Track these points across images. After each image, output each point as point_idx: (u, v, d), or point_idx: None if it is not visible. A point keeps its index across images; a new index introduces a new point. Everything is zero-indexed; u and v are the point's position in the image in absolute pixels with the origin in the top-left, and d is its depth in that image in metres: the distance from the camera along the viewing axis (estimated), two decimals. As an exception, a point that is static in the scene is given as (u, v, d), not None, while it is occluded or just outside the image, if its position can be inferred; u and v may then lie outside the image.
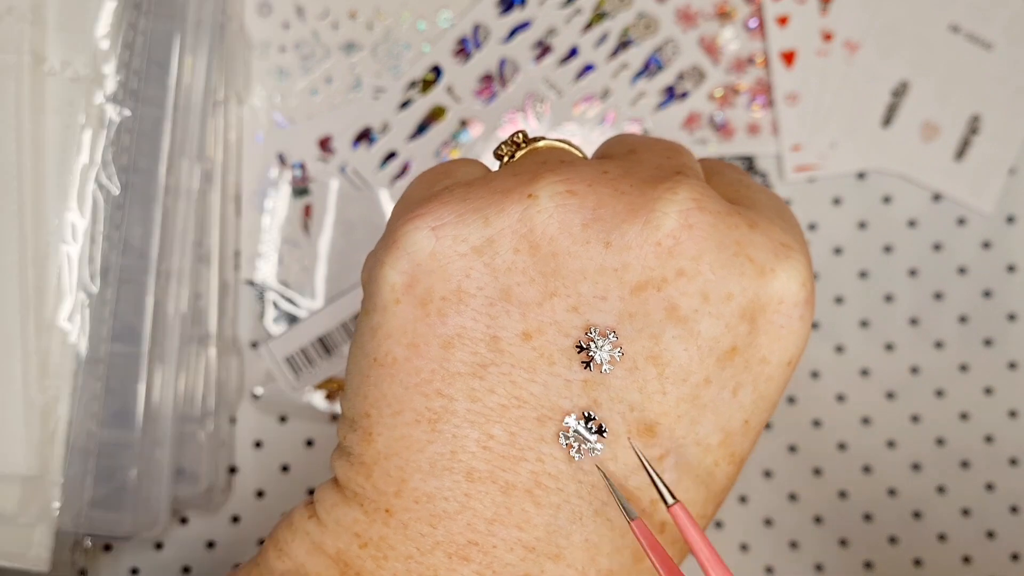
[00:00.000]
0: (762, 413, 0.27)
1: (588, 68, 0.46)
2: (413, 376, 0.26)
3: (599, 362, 0.25)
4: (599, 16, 0.46)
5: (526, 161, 0.27)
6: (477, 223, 0.25)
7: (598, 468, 0.26)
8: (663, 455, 0.26)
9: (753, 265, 0.26)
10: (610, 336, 0.25)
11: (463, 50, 0.46)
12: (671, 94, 0.47)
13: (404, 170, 0.46)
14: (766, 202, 0.28)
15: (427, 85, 0.46)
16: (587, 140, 0.46)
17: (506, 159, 0.29)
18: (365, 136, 0.46)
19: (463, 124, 0.46)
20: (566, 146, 0.29)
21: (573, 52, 0.46)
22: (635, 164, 0.27)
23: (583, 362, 0.25)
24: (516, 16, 0.46)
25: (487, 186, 0.26)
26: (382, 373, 0.26)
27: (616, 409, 0.25)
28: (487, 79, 0.46)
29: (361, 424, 0.26)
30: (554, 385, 0.25)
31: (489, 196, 0.26)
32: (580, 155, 0.29)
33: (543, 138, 0.29)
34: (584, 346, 0.25)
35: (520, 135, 0.29)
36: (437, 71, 0.46)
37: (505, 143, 0.29)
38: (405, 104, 0.46)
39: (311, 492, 0.47)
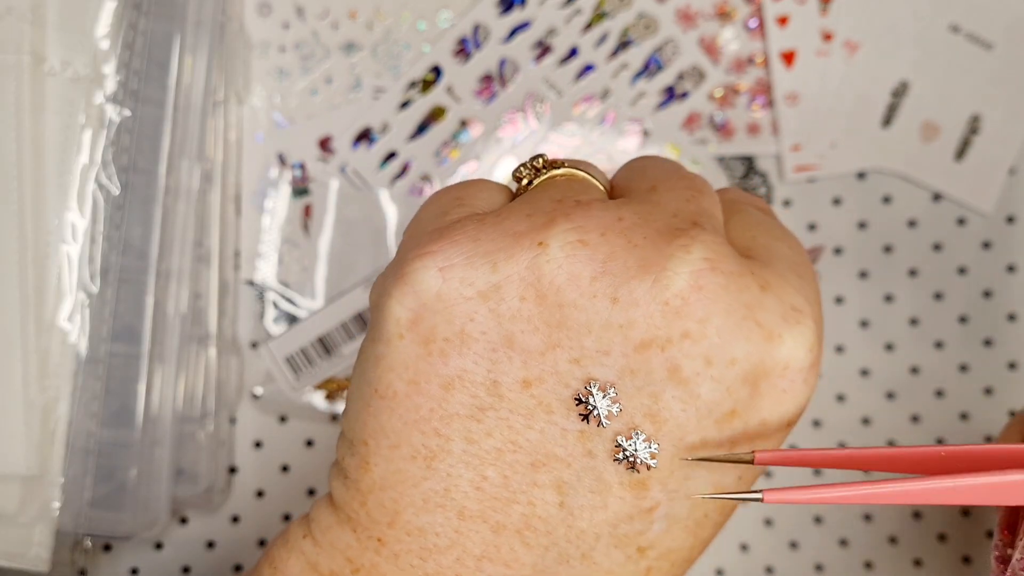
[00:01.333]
0: (756, 470, 0.28)
1: (588, 68, 0.46)
2: (412, 412, 0.26)
3: (596, 416, 0.25)
4: (599, 16, 0.46)
5: (542, 197, 0.27)
6: (485, 268, 0.25)
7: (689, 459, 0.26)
8: (654, 506, 0.26)
9: (761, 330, 0.26)
10: (609, 392, 0.25)
11: (463, 50, 0.46)
12: (671, 94, 0.47)
13: (404, 170, 0.46)
14: (783, 253, 0.27)
15: (427, 85, 0.46)
16: (587, 140, 0.46)
17: (524, 182, 0.29)
18: (365, 136, 0.46)
19: (463, 124, 0.46)
20: (584, 174, 0.28)
21: (573, 52, 0.46)
22: (653, 208, 0.26)
23: (581, 415, 0.25)
24: (516, 16, 0.46)
25: (499, 227, 0.26)
26: (382, 405, 0.26)
27: (610, 462, 0.26)
28: (487, 79, 0.46)
29: (359, 450, 0.27)
30: (550, 433, 0.26)
31: (500, 239, 0.26)
32: (598, 183, 0.28)
33: (563, 163, 0.29)
34: (583, 399, 0.25)
35: (540, 159, 0.29)
36: (437, 71, 0.46)
37: (524, 166, 0.29)
38: (405, 104, 0.46)
39: (311, 492, 0.47)
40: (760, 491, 0.24)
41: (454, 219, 0.27)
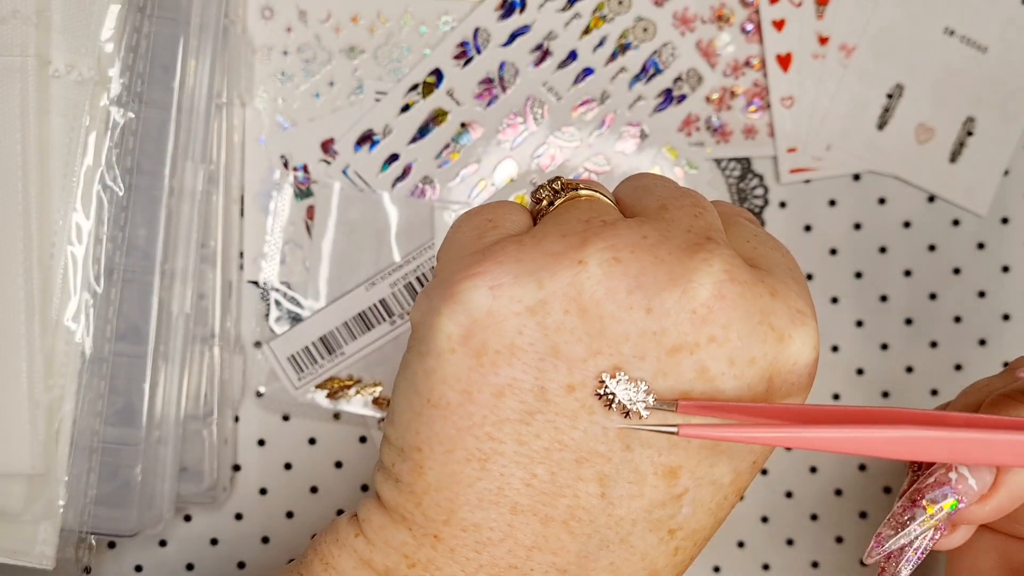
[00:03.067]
0: (767, 454, 0.30)
1: (587, 72, 0.47)
2: (465, 419, 0.28)
3: (637, 411, 0.27)
4: (598, 20, 0.47)
5: (569, 218, 0.29)
6: (532, 285, 0.28)
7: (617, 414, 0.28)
8: (683, 492, 0.29)
9: (774, 332, 0.28)
10: (619, 375, 0.27)
11: (464, 54, 0.47)
12: (669, 97, 0.47)
13: (405, 172, 0.47)
14: (780, 262, 0.30)
15: (428, 88, 0.47)
16: (586, 143, 0.47)
17: (545, 203, 0.31)
18: (367, 139, 0.47)
19: (463, 127, 0.47)
20: (600, 195, 0.31)
21: (572, 56, 0.47)
22: (669, 226, 0.29)
23: (621, 413, 0.28)
24: (516, 20, 0.47)
25: (539, 247, 0.28)
26: (435, 414, 0.28)
27: (646, 454, 0.28)
28: (487, 82, 0.47)
29: (412, 456, 0.29)
30: (592, 432, 0.28)
31: (542, 258, 0.28)
32: (610, 202, 0.31)
33: (579, 185, 0.31)
34: (602, 392, 0.28)
35: (559, 182, 0.31)
36: (438, 74, 0.47)
37: (544, 187, 0.31)
38: (406, 107, 0.47)
39: (314, 490, 0.48)
40: (676, 425, 0.27)
41: (492, 241, 0.29)
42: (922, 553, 0.32)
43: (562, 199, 0.31)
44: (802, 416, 0.28)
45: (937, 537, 0.32)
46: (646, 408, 0.27)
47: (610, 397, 0.27)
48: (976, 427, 0.28)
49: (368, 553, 0.30)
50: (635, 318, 0.27)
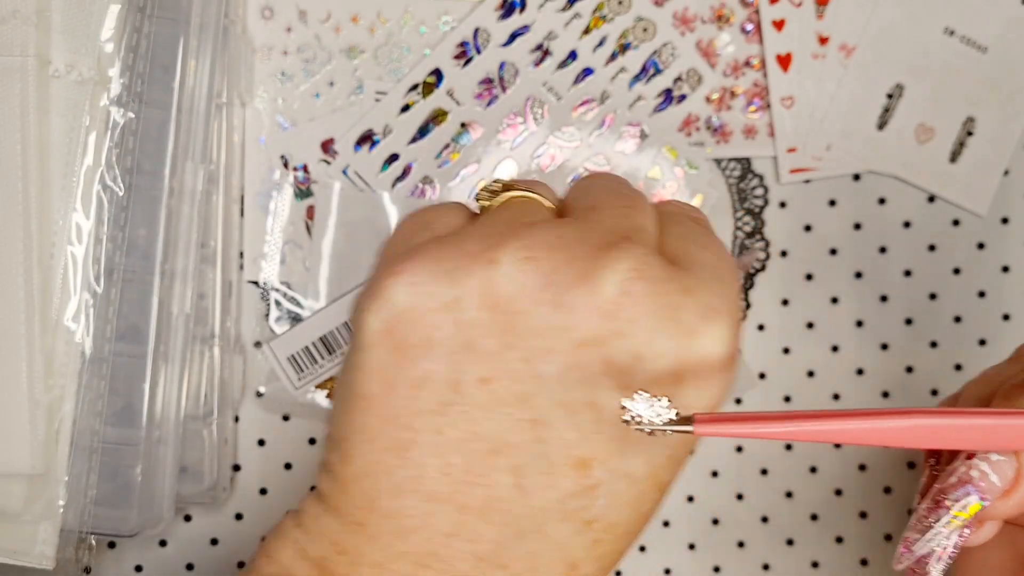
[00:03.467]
0: (684, 449, 0.31)
1: (587, 72, 0.47)
2: (387, 410, 0.29)
3: (644, 417, 0.28)
4: (598, 20, 0.47)
5: (496, 220, 0.31)
6: (447, 283, 0.29)
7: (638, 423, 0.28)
8: (596, 484, 0.29)
9: (681, 328, 0.29)
10: (638, 396, 0.28)
11: (463, 54, 0.47)
12: (668, 97, 0.47)
13: (405, 172, 0.47)
14: (707, 261, 0.31)
15: (428, 88, 0.47)
16: (586, 143, 0.47)
17: (484, 204, 0.33)
18: (367, 139, 0.47)
19: (463, 127, 0.47)
20: (535, 195, 0.32)
21: (572, 56, 0.47)
22: (593, 226, 0.30)
23: (633, 427, 0.28)
24: (516, 20, 0.47)
25: (458, 247, 0.30)
26: (360, 405, 0.29)
27: (558, 446, 0.29)
28: (487, 82, 0.47)
29: (341, 446, 0.30)
30: (505, 424, 0.29)
31: (459, 258, 0.29)
32: (548, 204, 0.32)
33: (516, 186, 0.32)
34: (627, 419, 0.28)
35: (498, 183, 0.33)
36: (438, 74, 0.47)
37: (484, 190, 0.33)
38: (406, 107, 0.47)
39: (314, 490, 0.48)
40: (691, 422, 0.27)
41: (420, 241, 0.31)
42: (952, 552, 0.32)
43: (499, 200, 0.32)
44: (816, 418, 0.28)
45: (967, 533, 0.31)
46: (667, 422, 0.28)
47: (637, 418, 0.28)
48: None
49: (304, 542, 0.30)
50: (544, 313, 0.28)
